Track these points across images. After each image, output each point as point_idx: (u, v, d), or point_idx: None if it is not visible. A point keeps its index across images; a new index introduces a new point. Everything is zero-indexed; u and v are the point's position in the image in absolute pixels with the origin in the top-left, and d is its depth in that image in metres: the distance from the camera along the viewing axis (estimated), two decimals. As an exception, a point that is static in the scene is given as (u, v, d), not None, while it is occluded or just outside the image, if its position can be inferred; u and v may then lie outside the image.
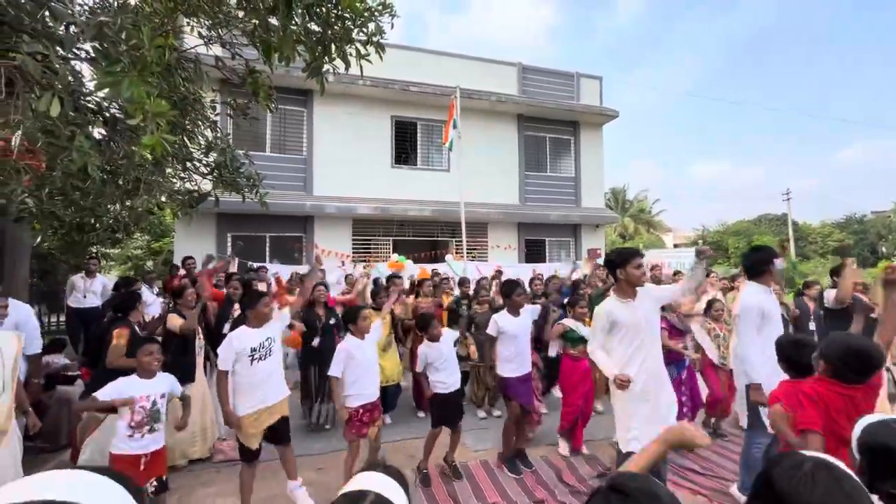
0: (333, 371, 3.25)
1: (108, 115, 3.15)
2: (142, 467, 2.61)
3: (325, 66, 3.18)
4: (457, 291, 6.67)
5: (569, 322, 4.23)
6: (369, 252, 10.97)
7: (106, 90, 1.44)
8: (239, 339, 2.95)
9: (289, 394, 3.22)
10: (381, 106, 11.08)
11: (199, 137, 3.78)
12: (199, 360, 4.00)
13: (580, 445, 4.21)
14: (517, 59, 12.78)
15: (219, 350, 2.98)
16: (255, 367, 2.94)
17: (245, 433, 2.94)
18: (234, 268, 6.52)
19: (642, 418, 2.71)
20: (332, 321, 4.76)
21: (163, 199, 4.15)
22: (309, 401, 4.66)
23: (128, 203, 4.12)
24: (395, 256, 9.77)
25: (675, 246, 28.25)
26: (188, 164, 3.78)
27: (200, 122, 3.89)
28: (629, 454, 2.65)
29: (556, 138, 13.15)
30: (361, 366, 3.31)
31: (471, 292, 5.93)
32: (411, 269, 9.48)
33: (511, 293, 3.92)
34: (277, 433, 3.10)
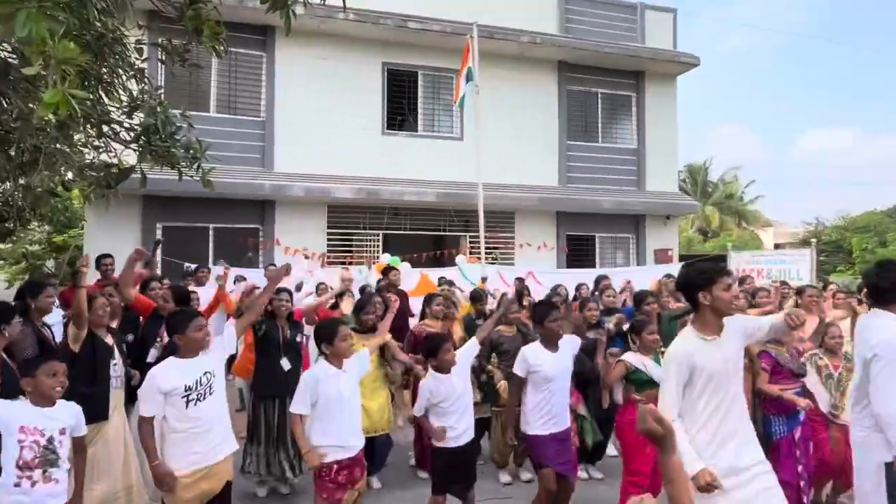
0: (297, 407, 3.25)
1: (-5, 61, 3.18)
2: None
3: (293, -4, 3.18)
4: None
5: (632, 358, 4.17)
6: (351, 251, 11.04)
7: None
8: (165, 376, 2.92)
9: (237, 448, 3.23)
10: (368, 49, 11.14)
11: (121, 92, 3.80)
12: (118, 392, 4.01)
13: None
14: (558, -15, 12.75)
15: (139, 391, 2.98)
16: (193, 412, 2.92)
17: (176, 499, 2.93)
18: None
19: None
20: (298, 338, 4.81)
21: (70, 175, 4.18)
22: (256, 449, 4.59)
23: (22, 181, 4.15)
24: (385, 257, 9.78)
25: (777, 246, 27.91)
26: (105, 129, 3.80)
27: (122, 71, 3.91)
28: None
29: (612, 95, 13.10)
30: (336, 404, 3.27)
31: (489, 309, 5.91)
32: (408, 276, 9.49)
33: (545, 318, 3.89)
34: (219, 500, 3.07)
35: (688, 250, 21.70)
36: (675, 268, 11.40)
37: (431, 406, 3.63)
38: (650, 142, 13.11)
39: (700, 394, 2.68)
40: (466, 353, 3.83)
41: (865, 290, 3.44)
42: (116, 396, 3.91)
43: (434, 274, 9.45)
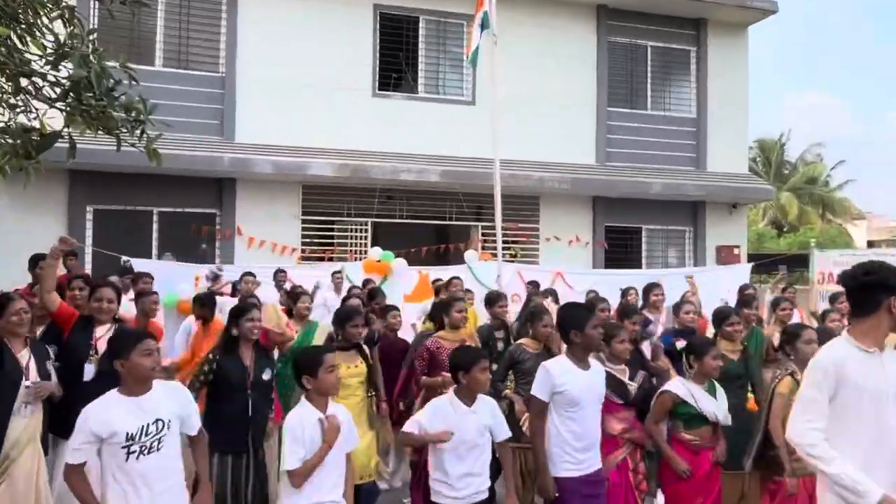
0: (290, 463, 3.12)
1: None
2: None
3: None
4: (483, 314, 6.66)
5: (679, 388, 4.17)
6: (332, 244, 11.01)
7: None
8: (98, 419, 2.75)
9: None
10: (356, -13, 11.11)
11: (44, 36, 3.76)
12: (29, 421, 4.00)
13: None
14: None
15: (71, 437, 2.84)
16: (135, 466, 2.79)
17: None
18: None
19: None
20: (265, 375, 4.50)
21: (-21, 142, 4.15)
22: None
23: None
24: (375, 251, 9.76)
25: (871, 245, 27.91)
26: (24, 83, 3.76)
27: (45, 11, 3.88)
28: None
29: (665, 48, 13.09)
30: (325, 464, 3.21)
31: (511, 317, 5.90)
32: (404, 275, 9.46)
33: (577, 326, 3.85)
34: None
35: (758, 248, 21.63)
36: (743, 270, 11.37)
37: (436, 447, 3.57)
38: (713, 110, 13.06)
39: (853, 415, 2.68)
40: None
41: None
42: (27, 427, 3.88)
43: (437, 273, 9.35)
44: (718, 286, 9.15)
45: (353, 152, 10.76)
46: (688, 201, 12.75)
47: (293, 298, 6.46)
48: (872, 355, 2.72)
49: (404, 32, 11.64)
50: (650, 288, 6.99)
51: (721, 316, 5.54)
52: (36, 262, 6.12)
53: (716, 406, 4.24)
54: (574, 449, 3.71)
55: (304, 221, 10.91)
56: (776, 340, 5.15)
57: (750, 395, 5.02)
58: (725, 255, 12.44)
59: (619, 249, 12.50)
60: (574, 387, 3.71)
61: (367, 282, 8.46)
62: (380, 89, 11.41)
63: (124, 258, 8.64)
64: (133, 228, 10.07)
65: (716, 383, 4.32)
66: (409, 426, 3.60)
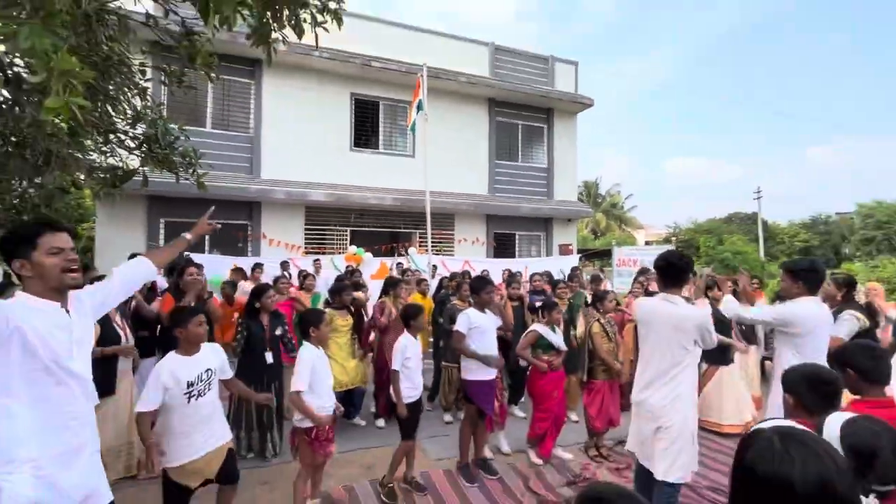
0: (299, 384, 3.00)
1: (10, 72, 2.86)
2: None
3: (275, 34, 3.02)
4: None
5: (539, 328, 4.27)
6: (324, 243, 10.73)
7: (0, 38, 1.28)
8: (169, 372, 2.51)
9: (230, 437, 2.83)
10: (339, 82, 10.81)
11: (125, 106, 3.51)
12: (126, 366, 3.77)
13: (549, 454, 4.28)
14: (489, 39, 12.78)
15: (144, 389, 2.56)
16: (193, 406, 2.54)
17: (183, 472, 2.55)
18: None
19: None
20: (277, 331, 4.33)
21: (80, 175, 3.83)
22: (236, 430, 4.13)
23: (37, 180, 3.78)
24: (352, 248, 9.61)
25: (647, 243, 29.31)
26: (111, 137, 3.50)
27: (127, 89, 3.62)
28: None
29: (529, 126, 13.28)
30: (322, 378, 3.16)
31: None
32: (370, 263, 9.37)
33: (480, 289, 3.96)
34: (225, 471, 2.72)
35: (583, 246, 22.44)
36: (574, 259, 11.75)
37: (403, 365, 3.57)
38: (557, 162, 13.39)
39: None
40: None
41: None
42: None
43: (390, 261, 9.45)
44: (559, 268, 9.42)
45: (338, 185, 10.51)
46: (543, 217, 13.04)
47: (303, 279, 6.26)
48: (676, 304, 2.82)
49: (370, 111, 11.42)
50: (512, 275, 7.05)
51: (553, 284, 5.74)
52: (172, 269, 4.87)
53: (557, 339, 4.36)
54: (481, 363, 3.84)
55: (306, 230, 10.56)
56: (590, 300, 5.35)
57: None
58: (564, 250, 12.80)
59: (502, 247, 12.66)
60: (482, 324, 3.87)
61: (350, 269, 8.31)
62: (354, 146, 11.15)
63: (185, 253, 8.16)
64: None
65: (556, 326, 4.44)
66: (397, 363, 3.63)
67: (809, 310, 2.92)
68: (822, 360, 2.71)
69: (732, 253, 22.58)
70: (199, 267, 4.25)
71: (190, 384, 2.52)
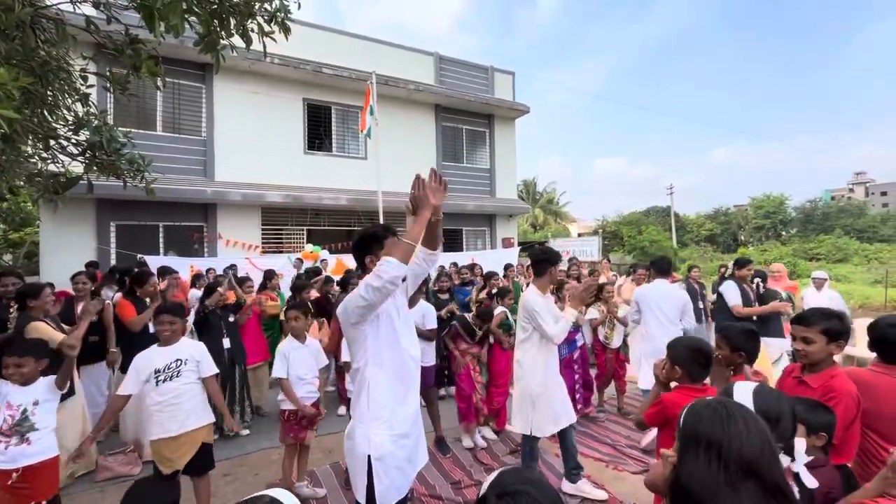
0: (278, 372, 3.14)
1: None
2: (10, 483, 2.27)
3: (223, 42, 2.87)
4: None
5: (502, 311, 4.43)
6: (281, 242, 10.37)
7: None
8: (143, 359, 2.70)
9: (213, 420, 2.84)
10: (292, 87, 10.41)
11: (66, 112, 3.21)
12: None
13: (505, 426, 4.40)
14: (433, 49, 12.76)
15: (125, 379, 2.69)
16: (161, 389, 2.65)
17: (157, 452, 2.67)
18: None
19: None
20: (231, 318, 4.49)
21: (18, 182, 3.47)
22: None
23: (-30, 186, 3.40)
24: (308, 247, 9.34)
25: (580, 235, 30.48)
26: (52, 143, 3.20)
27: (68, 95, 3.31)
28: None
29: (472, 130, 13.42)
30: (298, 368, 3.21)
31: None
32: (327, 259, 9.15)
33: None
34: (196, 463, 2.74)
35: (524, 238, 23.05)
36: (515, 251, 12.05)
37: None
38: (498, 164, 13.63)
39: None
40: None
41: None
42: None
43: (347, 259, 9.17)
44: (502, 260, 9.62)
45: (293, 187, 10.16)
46: (486, 214, 13.25)
47: (269, 278, 5.99)
48: (549, 297, 3.10)
49: (323, 116, 11.09)
50: (441, 270, 7.05)
51: (489, 275, 5.90)
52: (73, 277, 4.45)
53: (512, 321, 4.53)
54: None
55: (263, 230, 10.14)
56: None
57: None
58: (506, 243, 13.11)
59: (450, 241, 12.76)
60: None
61: (313, 268, 7.92)
62: (308, 149, 10.81)
63: (139, 256, 7.63)
64: (145, 236, 8.89)
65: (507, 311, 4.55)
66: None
67: (648, 289, 3.36)
68: (667, 327, 3.58)
69: (650, 241, 24.00)
70: (161, 277, 4.32)
71: (157, 371, 2.65)
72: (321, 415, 3.33)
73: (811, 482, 1.17)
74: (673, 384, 2.11)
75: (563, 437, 3.24)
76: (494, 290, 4.89)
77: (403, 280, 1.85)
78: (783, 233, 36.56)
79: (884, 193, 63.43)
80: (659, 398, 2.06)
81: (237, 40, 2.97)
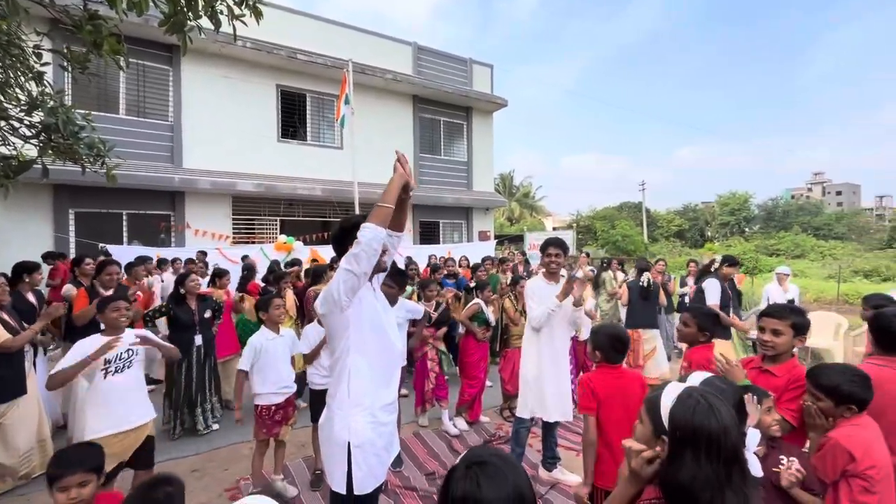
0: (243, 365, 3.03)
1: None
2: None
3: (190, 23, 2.74)
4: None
5: (478, 303, 4.44)
6: (253, 233, 10.10)
7: None
8: (91, 348, 2.47)
9: (155, 416, 2.71)
10: (264, 72, 10.09)
11: (18, 91, 3.00)
12: (27, 364, 3.34)
13: (478, 418, 4.44)
14: (411, 39, 12.59)
15: (62, 360, 2.45)
16: (110, 382, 2.50)
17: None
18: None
19: None
20: (206, 314, 4.26)
21: (-34, 165, 3.24)
22: (174, 405, 4.11)
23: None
24: (282, 237, 9.14)
25: (555, 229, 30.90)
26: (3, 124, 2.98)
27: (20, 73, 3.09)
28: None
29: (450, 122, 13.36)
30: (273, 361, 3.09)
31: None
32: (301, 251, 8.98)
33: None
34: (140, 456, 2.61)
35: (500, 232, 23.20)
36: (491, 244, 12.13)
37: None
38: (476, 157, 13.63)
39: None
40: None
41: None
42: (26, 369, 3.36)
43: (321, 250, 8.99)
44: (479, 252, 9.66)
45: (266, 176, 9.90)
46: (463, 207, 13.23)
47: (250, 271, 5.78)
48: (553, 285, 3.07)
49: (297, 103, 10.81)
50: (410, 261, 7.05)
51: (476, 267, 5.92)
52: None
53: (490, 315, 4.53)
54: None
55: (234, 220, 9.85)
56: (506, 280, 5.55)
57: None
58: (483, 236, 13.17)
59: (427, 233, 12.74)
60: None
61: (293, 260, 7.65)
62: (282, 137, 10.53)
63: (101, 245, 7.29)
64: (107, 225, 8.50)
65: (483, 304, 4.56)
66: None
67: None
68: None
69: (622, 236, 24.59)
70: (119, 265, 4.11)
71: (107, 361, 2.50)
72: (294, 412, 3.28)
73: (758, 471, 1.21)
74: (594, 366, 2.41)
75: (547, 429, 3.33)
76: (473, 284, 4.90)
77: (383, 253, 1.79)
78: (746, 229, 38.10)
79: (839, 193, 66.90)
80: (584, 385, 2.30)
81: (206, 22, 2.84)
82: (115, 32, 2.81)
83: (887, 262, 19.89)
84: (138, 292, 4.45)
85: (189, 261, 6.70)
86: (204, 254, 7.43)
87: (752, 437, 1.27)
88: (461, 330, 4.62)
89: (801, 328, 1.99)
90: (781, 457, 1.62)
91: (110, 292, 3.61)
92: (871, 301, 3.33)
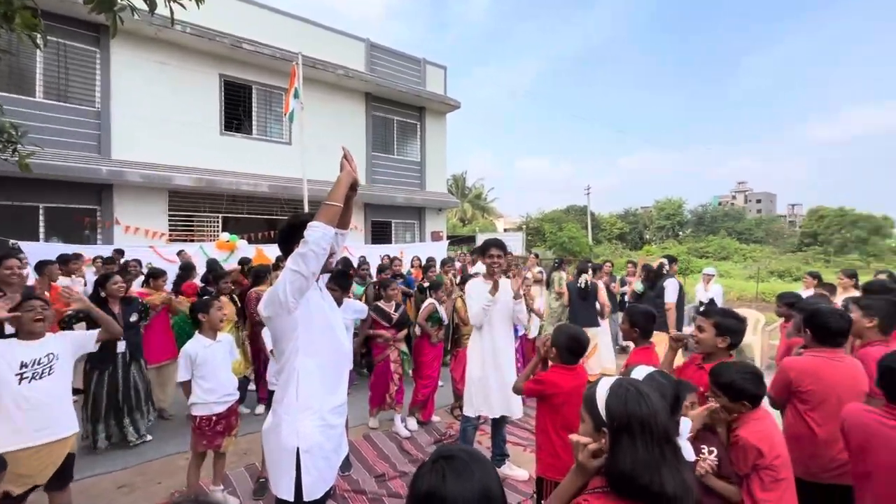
0: (182, 377, 2.87)
1: None
2: None
3: (121, 2, 2.53)
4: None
5: (433, 304, 4.43)
6: (192, 230, 9.50)
7: None
8: (1, 352, 2.26)
9: (78, 430, 2.49)
10: (206, 61, 9.53)
11: None
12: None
13: (430, 418, 4.43)
14: (364, 35, 12.40)
15: None
16: (25, 389, 2.25)
17: (12, 473, 2.11)
18: None
19: None
20: (133, 317, 3.92)
21: None
22: (94, 415, 3.74)
23: None
24: (224, 235, 8.66)
25: (505, 230, 31.57)
26: None
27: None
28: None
29: (403, 122, 13.28)
30: (212, 369, 2.90)
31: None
32: (245, 250, 8.56)
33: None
34: (60, 475, 2.35)
35: (452, 232, 23.36)
36: (444, 244, 12.18)
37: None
38: (429, 157, 13.64)
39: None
40: None
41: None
42: None
43: (268, 249, 8.61)
44: (431, 252, 9.67)
45: (207, 170, 9.34)
46: (416, 207, 13.17)
47: (155, 276, 5.31)
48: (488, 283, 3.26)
49: (242, 95, 10.29)
50: (362, 260, 7.05)
51: (427, 267, 5.94)
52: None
53: (444, 314, 4.55)
54: None
55: (170, 216, 9.21)
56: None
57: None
58: (435, 237, 13.20)
59: (379, 234, 12.57)
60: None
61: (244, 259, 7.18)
62: (225, 130, 9.98)
63: (11, 241, 6.56)
64: (21, 219, 7.67)
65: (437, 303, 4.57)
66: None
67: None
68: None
69: (569, 238, 25.59)
70: (21, 260, 3.42)
71: (24, 365, 2.27)
72: (237, 422, 3.12)
73: (690, 455, 1.31)
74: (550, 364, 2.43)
75: (495, 426, 3.39)
76: (427, 284, 4.90)
77: (331, 256, 1.76)
78: (680, 233, 40.98)
79: (758, 201, 73.45)
80: (540, 377, 2.38)
81: (140, 2, 2.64)
82: (30, 6, 2.55)
83: (797, 264, 22.19)
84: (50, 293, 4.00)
85: (108, 260, 6.10)
86: (121, 252, 6.74)
87: (685, 425, 1.36)
88: (417, 330, 4.61)
89: (724, 329, 2.15)
90: (703, 447, 1.75)
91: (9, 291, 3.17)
92: (785, 299, 3.69)
